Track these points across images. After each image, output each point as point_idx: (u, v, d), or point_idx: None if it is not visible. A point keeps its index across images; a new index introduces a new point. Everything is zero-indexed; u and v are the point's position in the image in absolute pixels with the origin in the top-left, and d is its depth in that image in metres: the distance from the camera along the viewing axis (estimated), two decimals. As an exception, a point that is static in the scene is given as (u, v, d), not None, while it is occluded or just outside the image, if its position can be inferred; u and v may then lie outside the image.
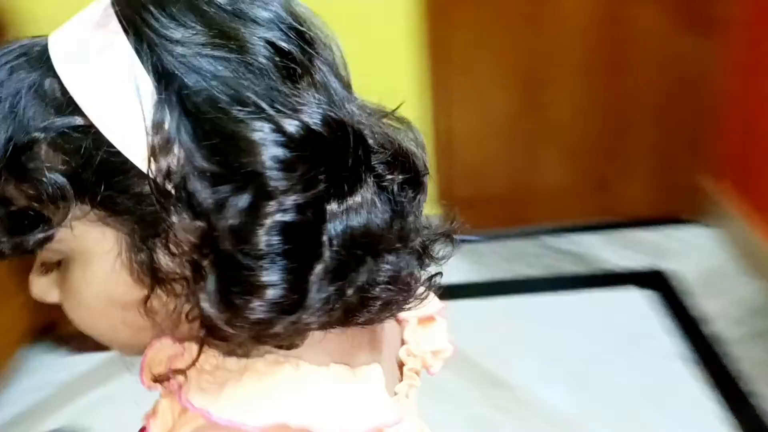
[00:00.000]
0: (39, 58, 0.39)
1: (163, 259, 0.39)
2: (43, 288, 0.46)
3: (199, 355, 0.40)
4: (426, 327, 0.54)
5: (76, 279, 0.43)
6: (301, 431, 0.40)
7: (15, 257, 0.41)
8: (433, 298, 0.50)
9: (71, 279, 0.43)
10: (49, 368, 1.88)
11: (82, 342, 1.87)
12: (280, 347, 0.41)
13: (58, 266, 0.44)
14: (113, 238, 0.40)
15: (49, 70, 0.38)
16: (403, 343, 0.52)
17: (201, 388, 0.41)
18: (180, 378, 0.41)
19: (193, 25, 0.37)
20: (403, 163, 0.43)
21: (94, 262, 0.41)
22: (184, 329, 0.41)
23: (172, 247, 0.38)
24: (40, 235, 0.39)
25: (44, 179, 0.37)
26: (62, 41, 0.39)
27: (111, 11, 0.38)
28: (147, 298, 0.40)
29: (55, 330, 1.89)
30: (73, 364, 1.88)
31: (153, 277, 0.39)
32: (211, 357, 0.42)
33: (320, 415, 0.40)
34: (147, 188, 0.37)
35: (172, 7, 0.37)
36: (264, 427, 0.39)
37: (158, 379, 0.43)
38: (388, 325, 0.50)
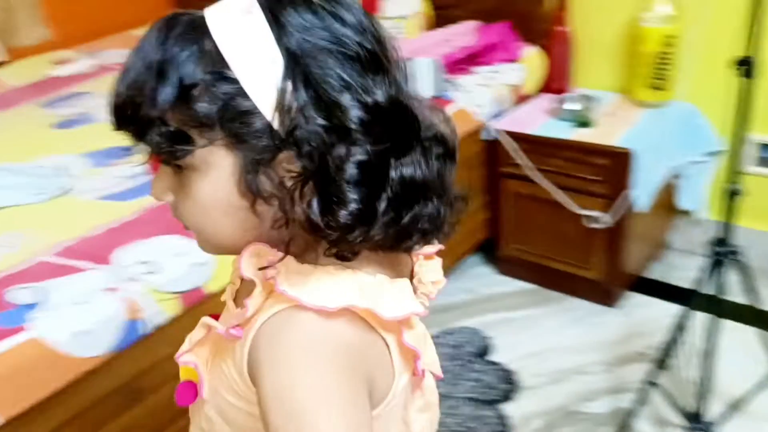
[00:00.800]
0: (201, 28, 0.55)
1: (264, 181, 0.55)
2: (161, 190, 0.61)
3: (287, 251, 0.57)
4: (428, 262, 0.69)
5: (197, 185, 0.58)
6: (365, 311, 0.56)
7: (165, 159, 0.58)
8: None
9: (192, 185, 0.58)
10: (478, 278, 2.32)
11: (508, 267, 2.27)
12: (342, 258, 0.57)
13: (178, 175, 0.59)
14: (231, 159, 0.56)
15: (208, 36, 0.54)
16: (413, 273, 0.67)
17: (290, 282, 0.56)
18: (272, 272, 0.57)
19: (311, 20, 0.54)
20: (442, 140, 0.59)
21: (213, 174, 0.57)
22: (274, 234, 0.58)
23: (271, 173, 0.55)
24: (187, 148, 0.55)
25: (199, 110, 0.54)
26: (218, 19, 0.55)
27: (255, 2, 0.55)
28: (251, 205, 0.56)
29: (494, 251, 2.31)
30: (495, 282, 2.28)
31: (253, 192, 0.55)
32: (292, 262, 0.58)
33: (376, 301, 0.56)
34: (264, 129, 0.54)
35: (297, 5, 0.54)
36: (338, 307, 0.54)
37: (262, 268, 0.58)
38: (406, 258, 0.66)
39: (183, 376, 0.67)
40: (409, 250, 0.62)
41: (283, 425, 0.52)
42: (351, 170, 0.53)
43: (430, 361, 0.67)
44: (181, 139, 0.55)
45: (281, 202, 0.55)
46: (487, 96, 2.11)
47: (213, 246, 0.63)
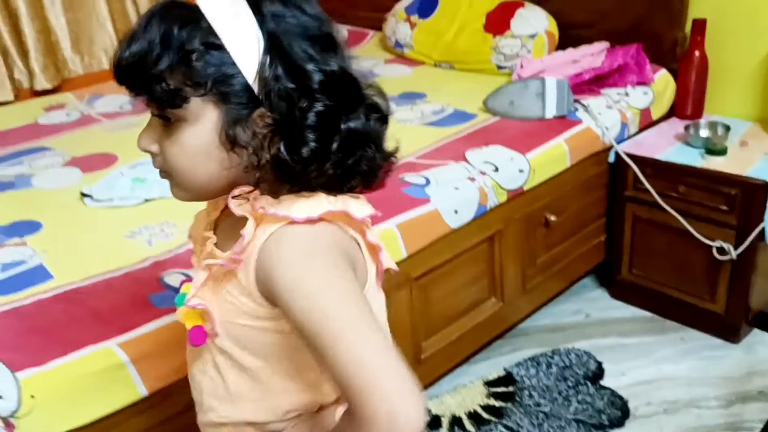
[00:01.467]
0: (196, 11, 0.69)
1: (240, 132, 0.70)
2: (148, 141, 0.76)
3: (258, 181, 0.72)
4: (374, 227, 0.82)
5: (186, 133, 0.72)
6: (340, 213, 0.72)
7: (162, 110, 0.72)
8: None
9: (181, 134, 0.72)
10: (592, 301, 2.29)
11: (624, 292, 2.23)
12: (306, 188, 0.72)
13: (165, 128, 0.73)
14: (216, 114, 0.71)
15: (203, 17, 0.69)
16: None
17: (276, 208, 0.71)
18: (260, 203, 0.72)
19: (283, 11, 0.70)
20: (377, 107, 0.75)
21: (200, 125, 0.71)
22: (243, 178, 0.73)
23: (246, 126, 0.70)
24: (180, 102, 0.69)
25: (195, 72, 0.68)
26: (211, 6, 0.69)
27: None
28: (228, 152, 0.71)
29: (610, 274, 2.27)
30: (610, 306, 2.25)
31: (230, 141, 0.71)
32: (270, 198, 0.73)
33: (346, 206, 0.73)
34: (244, 90, 0.69)
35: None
36: (320, 214, 0.70)
37: (235, 197, 0.74)
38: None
39: (189, 321, 0.79)
40: (352, 190, 0.76)
41: (306, 307, 0.67)
42: (311, 118, 0.69)
43: (387, 256, 0.83)
44: (178, 95, 0.69)
45: (254, 149, 0.71)
46: (613, 118, 2.09)
47: (189, 189, 0.77)
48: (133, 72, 0.70)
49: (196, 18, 0.69)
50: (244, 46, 0.69)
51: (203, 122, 0.71)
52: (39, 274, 1.42)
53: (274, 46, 0.69)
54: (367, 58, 2.76)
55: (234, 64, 0.69)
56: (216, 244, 0.80)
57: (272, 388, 0.81)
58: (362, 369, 0.64)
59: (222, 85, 0.69)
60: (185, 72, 0.68)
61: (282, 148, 0.69)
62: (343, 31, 0.77)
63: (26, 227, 1.62)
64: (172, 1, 0.71)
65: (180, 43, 0.68)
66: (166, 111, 0.71)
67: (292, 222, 0.70)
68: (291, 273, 0.69)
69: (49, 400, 1.14)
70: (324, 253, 0.71)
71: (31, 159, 2.03)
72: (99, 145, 2.10)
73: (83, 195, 1.74)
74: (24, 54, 2.59)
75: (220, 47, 0.69)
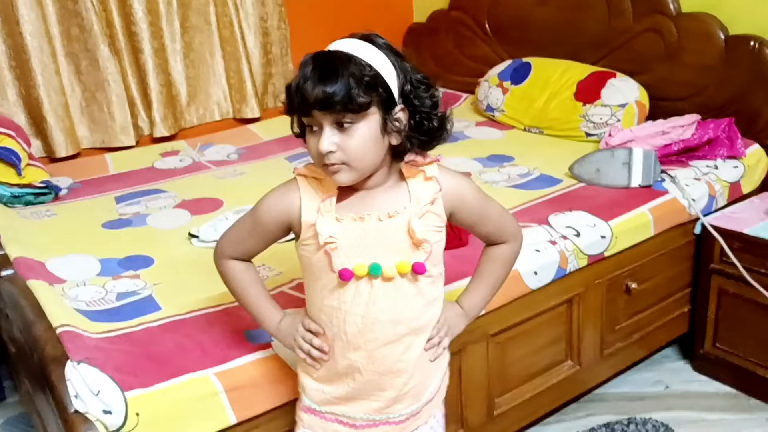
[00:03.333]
0: (349, 54, 1.05)
1: (389, 124, 1.06)
2: (329, 144, 1.03)
3: (403, 153, 1.13)
4: None
5: (361, 130, 1.04)
6: (435, 159, 1.16)
7: (351, 119, 1.03)
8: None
9: (357, 131, 1.04)
10: (673, 373, 2.25)
11: (707, 366, 2.19)
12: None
13: (341, 131, 1.04)
14: (379, 114, 1.06)
15: (354, 58, 1.04)
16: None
17: (431, 169, 1.15)
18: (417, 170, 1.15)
19: (403, 63, 1.09)
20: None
21: (370, 122, 1.05)
22: (380, 159, 1.09)
23: (396, 122, 1.07)
24: (365, 111, 1.03)
25: (378, 91, 1.04)
26: (369, 53, 1.05)
27: (384, 50, 1.07)
28: (384, 136, 1.08)
29: (693, 347, 2.24)
30: (691, 379, 2.21)
31: (386, 130, 1.07)
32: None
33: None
34: (393, 100, 1.06)
35: (398, 56, 1.09)
36: (438, 159, 1.16)
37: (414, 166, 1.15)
38: None
39: (402, 270, 1.12)
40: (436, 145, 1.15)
41: (488, 198, 1.23)
42: (429, 106, 1.10)
43: None
44: (366, 107, 1.04)
45: (399, 132, 1.08)
46: (701, 190, 2.10)
47: (360, 170, 1.07)
48: (342, 101, 1.01)
49: (355, 59, 1.03)
50: (393, 78, 1.06)
51: (371, 120, 1.05)
52: (149, 304, 1.58)
53: (402, 72, 1.08)
54: (459, 120, 2.87)
55: (387, 85, 1.05)
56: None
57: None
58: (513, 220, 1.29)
59: (383, 97, 1.05)
60: (368, 92, 1.02)
61: (415, 126, 1.09)
62: (438, 92, 1.12)
63: (140, 261, 1.79)
64: (329, 51, 1.06)
65: (363, 77, 1.02)
66: (349, 117, 1.03)
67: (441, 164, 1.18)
68: (474, 188, 1.21)
69: (151, 419, 1.26)
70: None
71: (147, 200, 2.24)
72: (207, 190, 2.29)
73: (191, 235, 1.91)
74: (148, 105, 2.86)
75: (380, 76, 1.05)
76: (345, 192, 1.14)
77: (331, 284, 1.14)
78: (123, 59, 2.76)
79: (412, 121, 1.09)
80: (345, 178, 1.07)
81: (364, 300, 1.13)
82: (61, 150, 2.67)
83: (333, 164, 1.05)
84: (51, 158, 2.69)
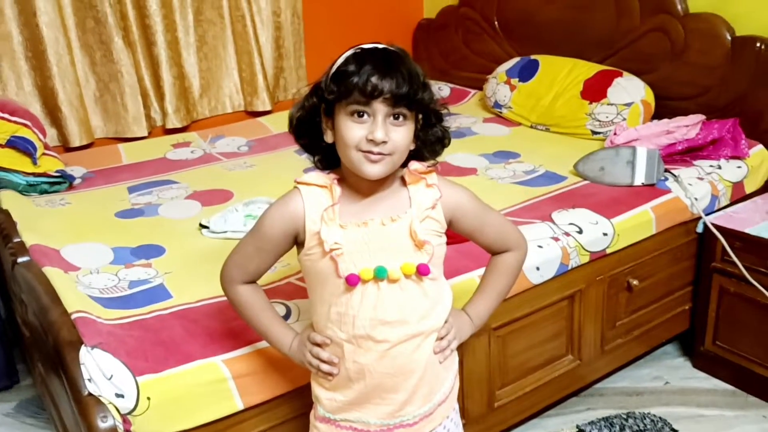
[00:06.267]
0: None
1: (421, 130, 1.16)
2: (383, 134, 1.07)
3: (410, 159, 1.17)
4: None
5: (409, 127, 1.11)
6: (434, 168, 1.20)
7: (409, 113, 1.10)
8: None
9: (407, 127, 1.11)
10: (673, 369, 2.29)
11: (707, 364, 2.22)
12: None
13: (393, 126, 1.09)
14: (413, 123, 1.13)
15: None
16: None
17: (431, 178, 1.19)
18: (417, 177, 1.19)
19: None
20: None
21: (413, 123, 1.12)
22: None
23: (421, 132, 1.16)
24: (421, 109, 1.13)
25: (428, 94, 1.13)
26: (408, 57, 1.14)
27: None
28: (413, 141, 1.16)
29: (693, 344, 2.27)
30: (691, 376, 2.24)
31: (415, 134, 1.14)
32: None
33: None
34: (428, 118, 1.17)
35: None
36: (437, 168, 1.21)
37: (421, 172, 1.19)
38: None
39: (407, 271, 1.15)
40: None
41: (488, 208, 1.28)
42: (440, 127, 1.19)
43: None
44: (424, 104, 1.13)
45: (417, 137, 1.15)
46: (704, 189, 2.13)
47: (395, 164, 1.12)
48: (408, 95, 1.07)
49: (409, 59, 1.11)
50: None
51: (412, 120, 1.12)
52: (161, 293, 1.62)
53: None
54: (467, 116, 2.91)
55: (431, 90, 1.15)
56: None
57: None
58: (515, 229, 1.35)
59: (424, 113, 1.15)
60: (424, 92, 1.11)
61: (436, 135, 1.18)
62: (445, 88, 1.25)
63: (152, 251, 1.84)
64: (383, 48, 1.11)
65: (420, 77, 1.10)
66: (405, 112, 1.09)
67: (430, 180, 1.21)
68: (472, 198, 1.25)
69: (161, 404, 1.31)
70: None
71: (159, 190, 2.29)
72: (218, 181, 2.34)
73: (201, 226, 1.95)
74: (161, 96, 2.91)
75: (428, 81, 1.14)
76: (347, 199, 1.17)
77: (338, 290, 1.16)
78: (137, 51, 2.80)
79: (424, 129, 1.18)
80: (381, 170, 1.10)
81: (372, 303, 1.15)
82: (75, 140, 2.72)
83: (379, 153, 1.09)
84: (65, 148, 2.74)
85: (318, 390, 1.25)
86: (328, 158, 1.20)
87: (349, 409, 1.22)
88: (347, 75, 1.07)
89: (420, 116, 1.14)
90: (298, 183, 1.18)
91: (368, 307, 1.15)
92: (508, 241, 1.31)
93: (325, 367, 1.20)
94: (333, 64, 1.13)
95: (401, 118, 1.09)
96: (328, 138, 1.15)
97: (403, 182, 1.19)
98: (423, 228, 1.16)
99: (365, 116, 1.08)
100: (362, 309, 1.15)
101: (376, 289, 1.15)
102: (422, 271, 1.15)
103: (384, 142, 1.08)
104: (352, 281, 1.13)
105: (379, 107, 1.07)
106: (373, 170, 1.10)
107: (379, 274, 1.13)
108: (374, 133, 1.07)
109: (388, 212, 1.16)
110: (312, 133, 1.17)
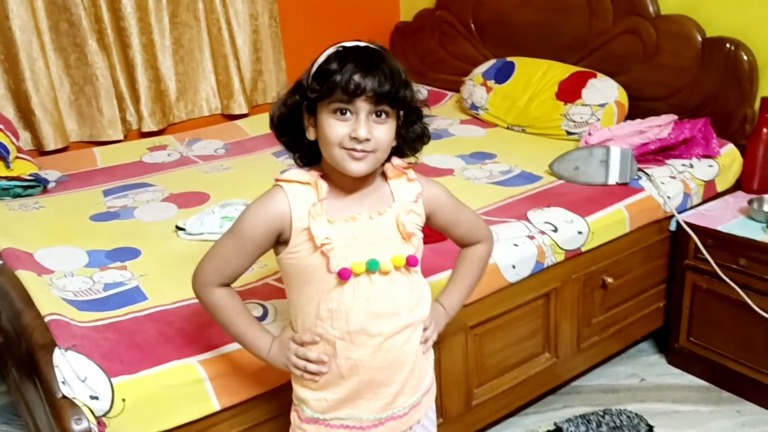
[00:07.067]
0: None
1: (400, 130, 1.16)
2: (366, 132, 1.07)
3: (391, 156, 1.19)
4: None
5: (389, 125, 1.12)
6: (413, 164, 1.23)
7: (386, 112, 1.11)
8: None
9: (388, 125, 1.11)
10: (648, 366, 2.31)
11: (681, 360, 2.25)
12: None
13: (375, 123, 1.09)
14: (395, 120, 1.13)
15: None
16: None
17: (411, 174, 1.22)
18: (398, 172, 1.21)
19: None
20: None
21: (394, 120, 1.13)
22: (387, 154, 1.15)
23: (402, 130, 1.17)
24: (402, 107, 1.14)
25: (409, 92, 1.14)
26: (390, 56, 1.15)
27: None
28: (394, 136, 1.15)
29: (667, 341, 2.30)
30: (665, 372, 2.27)
31: (397, 132, 1.15)
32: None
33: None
34: (409, 115, 1.18)
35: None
36: (415, 164, 1.24)
37: (400, 169, 1.21)
38: None
39: (397, 263, 1.17)
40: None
41: (461, 202, 1.31)
42: (421, 124, 1.21)
43: None
44: (406, 102, 1.14)
45: (398, 134, 1.17)
46: (676, 188, 2.16)
47: (377, 161, 1.13)
48: (390, 93, 1.08)
49: (391, 58, 1.12)
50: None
51: (394, 118, 1.13)
52: (136, 295, 1.61)
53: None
54: (444, 118, 2.92)
55: (412, 88, 1.15)
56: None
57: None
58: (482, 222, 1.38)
59: (405, 110, 1.16)
60: (406, 91, 1.12)
61: (416, 132, 1.20)
62: (423, 90, 1.18)
63: (127, 253, 1.83)
64: (365, 46, 1.12)
65: (401, 75, 1.11)
66: (387, 110, 1.10)
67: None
68: (446, 193, 1.28)
69: (136, 405, 1.30)
70: None
71: (134, 193, 2.28)
72: (194, 184, 2.33)
73: (178, 228, 1.94)
74: (136, 100, 2.89)
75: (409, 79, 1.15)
76: (332, 195, 1.17)
77: (328, 286, 1.15)
78: (112, 54, 2.78)
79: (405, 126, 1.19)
80: (365, 167, 1.11)
81: (364, 296, 1.16)
82: (50, 143, 2.70)
83: (362, 151, 1.09)
84: (40, 151, 2.71)
85: (303, 392, 1.24)
86: (308, 155, 1.20)
87: (340, 407, 1.22)
88: (329, 73, 1.08)
89: (401, 113, 1.15)
90: (281, 181, 1.17)
91: (361, 300, 1.16)
92: (478, 233, 1.35)
93: (312, 367, 1.19)
94: (314, 62, 1.13)
95: (384, 116, 1.10)
96: (311, 135, 1.15)
97: (384, 178, 1.21)
98: (408, 221, 1.18)
99: (348, 114, 1.09)
100: (355, 303, 1.16)
101: (368, 282, 1.16)
102: (411, 262, 1.17)
103: (367, 140, 1.09)
104: (344, 275, 1.13)
105: (362, 105, 1.08)
106: (357, 168, 1.11)
107: (372, 267, 1.14)
108: (357, 131, 1.08)
109: (373, 207, 1.17)
110: (293, 130, 1.17)
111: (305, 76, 1.13)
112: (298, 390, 1.25)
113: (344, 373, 1.19)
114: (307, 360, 1.19)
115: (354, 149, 1.09)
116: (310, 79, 1.11)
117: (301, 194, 1.15)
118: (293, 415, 1.28)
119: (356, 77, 1.06)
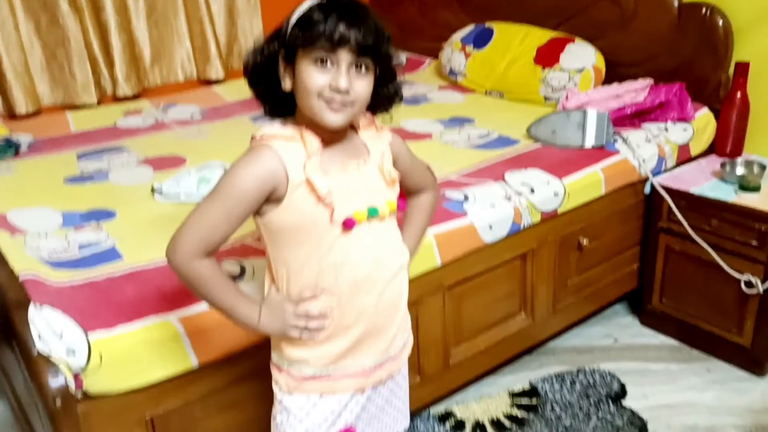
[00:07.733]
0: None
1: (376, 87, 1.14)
2: (347, 83, 1.06)
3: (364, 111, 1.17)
4: None
5: (371, 78, 1.11)
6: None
7: (372, 63, 1.10)
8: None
9: (369, 78, 1.10)
10: (622, 327, 2.36)
11: (654, 321, 2.29)
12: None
13: (357, 76, 1.08)
14: (373, 76, 1.12)
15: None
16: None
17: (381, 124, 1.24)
18: (371, 123, 1.23)
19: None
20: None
21: (371, 80, 1.12)
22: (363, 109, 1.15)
23: (377, 87, 1.14)
24: (383, 60, 1.13)
25: (389, 47, 1.14)
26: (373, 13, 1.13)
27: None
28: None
29: (641, 302, 2.34)
30: (639, 333, 2.32)
31: (375, 82, 1.13)
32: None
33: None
34: (385, 74, 1.16)
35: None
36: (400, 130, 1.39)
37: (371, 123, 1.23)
38: None
39: (392, 208, 1.19)
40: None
41: (414, 154, 1.33)
42: (395, 84, 1.19)
43: None
44: (388, 56, 1.15)
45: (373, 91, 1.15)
46: (651, 151, 2.18)
47: (356, 113, 1.12)
48: (373, 46, 1.08)
49: (374, 14, 1.11)
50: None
51: (373, 73, 1.12)
52: (111, 254, 1.60)
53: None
54: (422, 84, 2.92)
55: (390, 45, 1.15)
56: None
57: None
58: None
59: (382, 66, 1.14)
60: (388, 45, 1.13)
61: (395, 89, 1.19)
62: (402, 57, 1.13)
63: (102, 214, 1.81)
64: (351, 0, 1.10)
65: (384, 29, 1.10)
66: (369, 63, 1.09)
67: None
68: (403, 144, 1.29)
69: (113, 361, 1.30)
70: None
71: (109, 157, 2.25)
72: (170, 148, 2.30)
73: (153, 190, 1.93)
74: (110, 63, 2.84)
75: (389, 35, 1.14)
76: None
77: (330, 238, 1.13)
78: (84, 17, 2.73)
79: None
80: (342, 119, 1.10)
81: (367, 243, 1.16)
82: (21, 107, 2.65)
83: (341, 102, 1.09)
84: (11, 115, 2.66)
85: (299, 352, 1.20)
86: (280, 107, 1.18)
87: (343, 357, 1.20)
88: (313, 22, 1.05)
89: (377, 71, 1.14)
90: (266, 137, 1.13)
91: (365, 247, 1.16)
92: (427, 183, 1.38)
93: (314, 324, 1.16)
94: (295, 11, 1.10)
95: (364, 69, 1.09)
96: (287, 85, 1.12)
97: (354, 131, 1.21)
98: (389, 168, 1.21)
99: (329, 64, 1.07)
100: (360, 251, 1.16)
101: (368, 229, 1.16)
102: (400, 206, 1.22)
103: (347, 92, 1.08)
104: (349, 224, 1.13)
105: (344, 56, 1.06)
106: (334, 119, 1.09)
107: (372, 214, 1.16)
108: (338, 81, 1.06)
109: (354, 157, 1.17)
110: (268, 80, 1.15)
111: (284, 24, 1.11)
112: (292, 351, 1.20)
113: (349, 323, 1.18)
114: (310, 317, 1.16)
115: (333, 100, 1.08)
116: (291, 27, 1.09)
117: (289, 149, 1.12)
118: (281, 381, 1.23)
119: (341, 27, 1.05)
